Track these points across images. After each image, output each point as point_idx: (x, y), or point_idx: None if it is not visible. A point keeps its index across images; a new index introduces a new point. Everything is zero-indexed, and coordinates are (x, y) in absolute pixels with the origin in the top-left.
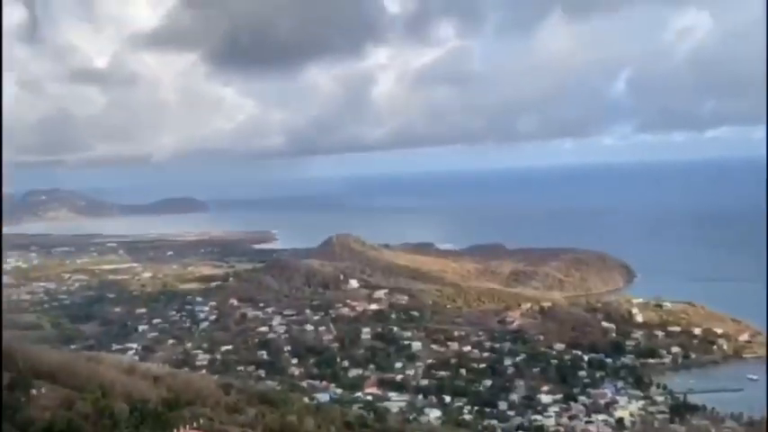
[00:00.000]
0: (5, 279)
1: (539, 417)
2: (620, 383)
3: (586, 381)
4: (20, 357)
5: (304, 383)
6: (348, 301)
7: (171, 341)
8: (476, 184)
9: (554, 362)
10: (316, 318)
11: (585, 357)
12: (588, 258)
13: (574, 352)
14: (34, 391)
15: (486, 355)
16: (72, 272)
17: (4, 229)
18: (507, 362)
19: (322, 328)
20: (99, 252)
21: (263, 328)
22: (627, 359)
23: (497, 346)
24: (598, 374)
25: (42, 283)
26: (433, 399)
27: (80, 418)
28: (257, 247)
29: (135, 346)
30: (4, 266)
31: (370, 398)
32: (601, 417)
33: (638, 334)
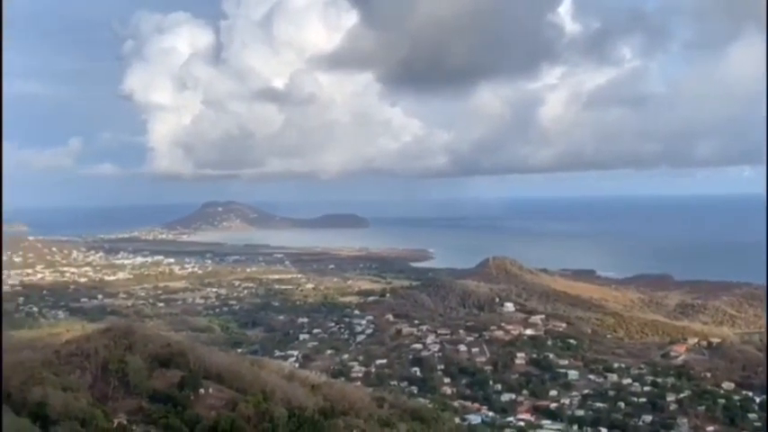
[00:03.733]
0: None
1: None
2: None
3: (757, 424)
4: (191, 357)
5: (456, 403)
6: (503, 324)
7: (329, 351)
8: (644, 210)
9: (721, 401)
10: (469, 339)
11: (757, 399)
12: (764, 294)
13: (744, 392)
14: (202, 391)
15: (647, 389)
16: (242, 279)
17: (184, 237)
18: (670, 398)
19: (475, 350)
20: (267, 262)
21: (417, 345)
22: None
23: (660, 380)
24: None
25: (215, 289)
26: (588, 430)
27: (242, 420)
28: (414, 264)
29: (295, 353)
30: (182, 272)
31: (522, 423)
32: None
33: None
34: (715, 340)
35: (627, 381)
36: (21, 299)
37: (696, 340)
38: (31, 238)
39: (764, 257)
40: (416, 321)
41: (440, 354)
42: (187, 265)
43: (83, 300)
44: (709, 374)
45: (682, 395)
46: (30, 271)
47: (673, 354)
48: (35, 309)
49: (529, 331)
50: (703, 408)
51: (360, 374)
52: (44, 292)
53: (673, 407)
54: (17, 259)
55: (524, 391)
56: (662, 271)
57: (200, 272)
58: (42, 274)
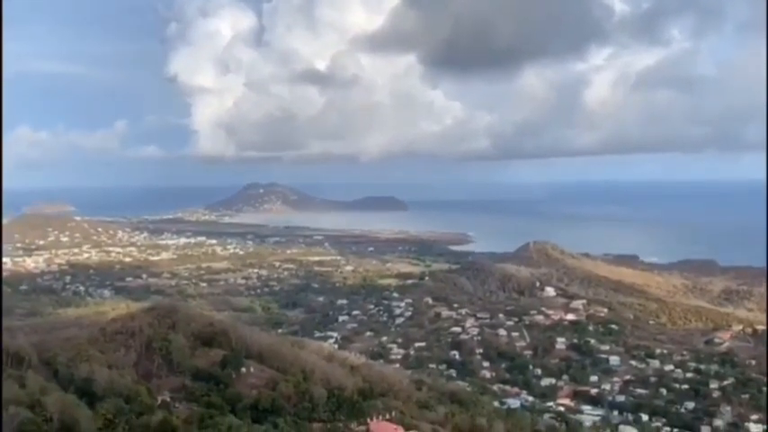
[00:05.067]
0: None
1: None
2: None
3: None
4: (233, 337)
5: (495, 387)
6: (543, 308)
7: (368, 333)
8: (691, 194)
9: (765, 389)
10: (509, 323)
11: None
12: None
13: None
14: (243, 370)
15: (689, 375)
16: (282, 261)
17: (226, 218)
18: (713, 385)
19: (515, 334)
20: (307, 244)
21: (456, 329)
22: None
23: (703, 367)
24: None
25: (256, 270)
26: (629, 416)
27: (283, 399)
28: (453, 248)
29: (335, 334)
30: (224, 252)
31: (562, 408)
32: None
33: None
34: (760, 327)
35: (669, 367)
36: (68, 278)
37: (741, 327)
38: (77, 218)
39: None
40: (455, 305)
41: (479, 338)
42: (229, 246)
43: (128, 279)
44: (753, 362)
45: (725, 383)
46: (76, 250)
47: (717, 340)
48: (81, 288)
49: (570, 316)
50: (747, 396)
51: (398, 357)
52: (90, 271)
53: (716, 394)
54: (64, 239)
55: (564, 377)
56: (707, 256)
57: (241, 253)
58: (89, 254)
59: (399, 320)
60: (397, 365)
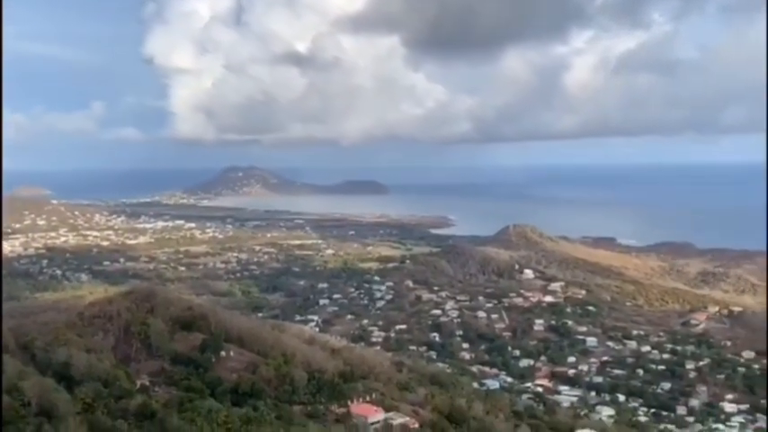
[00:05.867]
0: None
1: (720, 426)
2: None
3: None
4: (212, 321)
5: (474, 369)
6: (522, 291)
7: (349, 316)
8: (669, 177)
9: (741, 370)
10: (489, 305)
11: None
12: None
13: (764, 361)
14: (223, 353)
15: (666, 356)
16: (262, 245)
17: (204, 202)
18: (689, 366)
19: (495, 316)
20: (287, 228)
21: (437, 311)
22: None
23: (679, 348)
24: None
25: (236, 254)
26: (607, 397)
27: (263, 382)
28: (434, 231)
29: (316, 318)
30: (203, 236)
31: (540, 389)
32: None
33: None
34: (736, 309)
35: (646, 348)
36: (44, 262)
37: (717, 309)
38: (54, 201)
39: None
40: (436, 288)
41: (459, 320)
42: (208, 230)
43: (105, 263)
44: (729, 343)
45: (701, 363)
46: (53, 234)
47: (693, 322)
48: (58, 271)
49: (548, 298)
50: (723, 376)
51: (379, 339)
52: (67, 255)
53: (692, 375)
54: (41, 222)
55: (542, 358)
56: (684, 239)
57: (220, 236)
58: (65, 238)
59: (380, 303)
60: (378, 348)
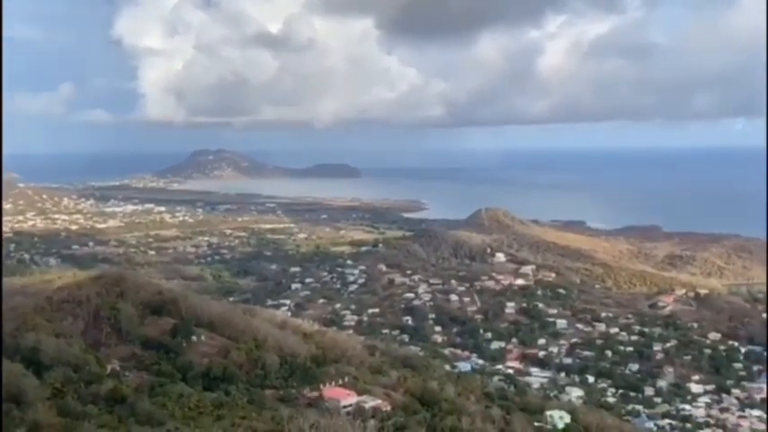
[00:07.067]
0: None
1: (687, 406)
2: None
3: (742, 374)
4: (183, 306)
5: (446, 351)
6: (494, 274)
7: (321, 300)
8: (638, 162)
9: (707, 351)
10: (461, 288)
11: (742, 349)
12: (753, 246)
13: (730, 343)
14: (194, 338)
15: (634, 338)
16: (233, 229)
17: (174, 185)
18: (656, 347)
19: (467, 299)
20: (259, 211)
21: (409, 295)
22: None
23: (647, 330)
24: (755, 368)
25: (206, 238)
26: (576, 378)
27: (234, 367)
28: (407, 215)
29: (288, 302)
30: (173, 220)
31: (511, 371)
32: (755, 413)
33: None
34: (703, 291)
35: (614, 330)
36: (12, 246)
37: (684, 291)
38: (21, 185)
39: (762, 210)
40: (409, 271)
41: (431, 303)
42: (178, 214)
43: (74, 247)
44: (695, 325)
45: (668, 345)
46: (21, 218)
47: (660, 304)
48: (26, 256)
49: (519, 281)
50: (689, 357)
51: (352, 323)
52: (35, 239)
53: (659, 356)
54: (8, 206)
55: (513, 340)
56: (652, 222)
57: (191, 220)
58: (33, 222)
59: (353, 287)
60: (351, 332)
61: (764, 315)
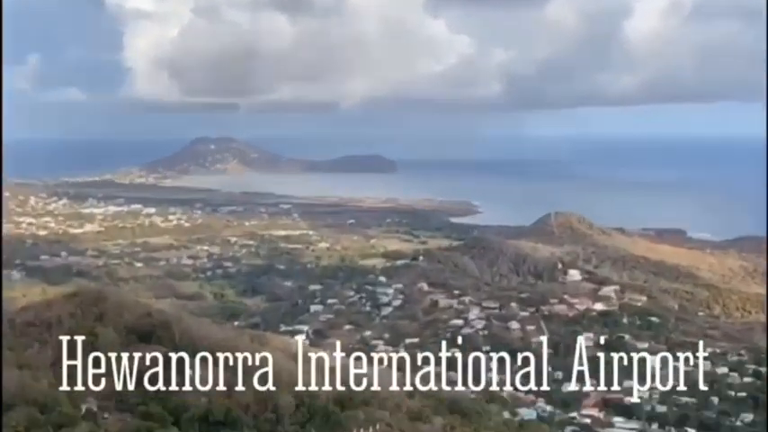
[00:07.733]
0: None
1: None
2: None
3: None
4: (177, 331)
5: (504, 394)
6: (566, 296)
7: (347, 327)
8: (755, 154)
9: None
10: (523, 314)
11: None
12: None
13: None
14: (190, 372)
15: (747, 380)
16: (239, 236)
17: (167, 181)
18: None
19: (531, 328)
20: (270, 214)
21: (458, 321)
22: None
23: (764, 370)
24: None
25: (206, 247)
26: (673, 431)
27: (239, 409)
28: (455, 220)
29: (305, 328)
30: (165, 224)
31: (588, 420)
32: None
33: None
34: None
35: (722, 370)
36: None
37: None
38: None
39: None
40: (457, 292)
41: (485, 332)
42: (172, 217)
43: (42, 257)
44: None
45: None
46: None
47: None
48: None
49: (599, 306)
50: None
51: (385, 356)
52: None
53: None
54: None
55: (592, 381)
56: None
57: (187, 225)
58: None
59: (386, 311)
60: (384, 367)
61: None
